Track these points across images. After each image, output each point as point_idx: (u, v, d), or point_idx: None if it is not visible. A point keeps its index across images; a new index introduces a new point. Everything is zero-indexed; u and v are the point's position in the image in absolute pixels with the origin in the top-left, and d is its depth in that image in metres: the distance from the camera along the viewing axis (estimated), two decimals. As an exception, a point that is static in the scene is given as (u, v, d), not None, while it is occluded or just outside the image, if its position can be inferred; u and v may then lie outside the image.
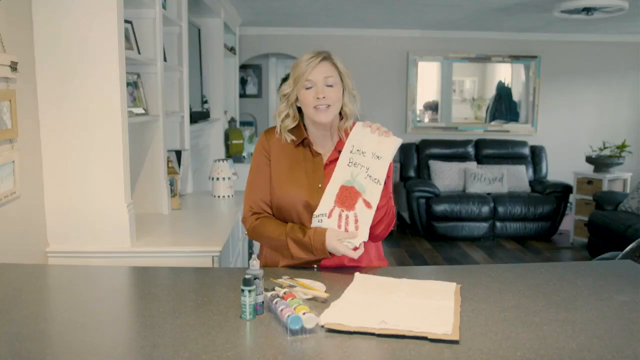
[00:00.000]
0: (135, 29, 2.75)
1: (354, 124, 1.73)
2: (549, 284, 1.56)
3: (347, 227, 1.63)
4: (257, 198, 1.77)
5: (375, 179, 1.63)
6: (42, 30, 2.08)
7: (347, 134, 1.73)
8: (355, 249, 1.62)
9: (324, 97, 1.66)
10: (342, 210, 1.64)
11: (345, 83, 1.73)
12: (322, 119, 1.69)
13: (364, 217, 1.63)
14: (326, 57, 1.70)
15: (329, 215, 1.65)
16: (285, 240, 1.67)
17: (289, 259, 1.71)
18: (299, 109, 1.76)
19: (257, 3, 5.10)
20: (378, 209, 1.65)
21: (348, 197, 1.64)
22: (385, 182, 1.67)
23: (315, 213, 1.67)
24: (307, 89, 1.68)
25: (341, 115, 1.77)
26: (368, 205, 1.63)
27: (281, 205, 1.73)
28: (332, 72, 1.69)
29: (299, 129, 1.76)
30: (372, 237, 1.73)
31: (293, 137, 1.75)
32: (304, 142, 1.75)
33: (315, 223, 1.66)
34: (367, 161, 1.64)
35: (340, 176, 1.66)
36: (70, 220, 2.18)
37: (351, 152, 1.67)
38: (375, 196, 1.63)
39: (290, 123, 1.75)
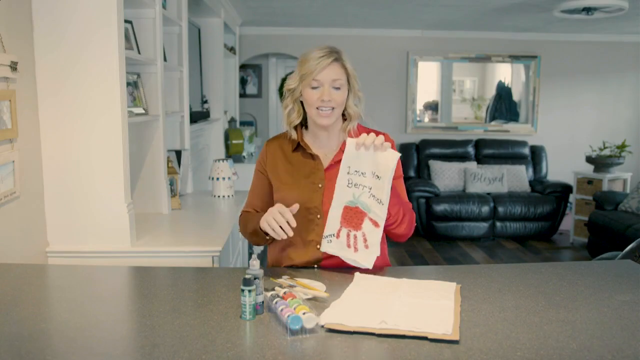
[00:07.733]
0: (135, 29, 2.75)
1: (343, 143, 1.66)
2: (549, 284, 1.56)
3: (356, 246, 1.62)
4: (251, 202, 1.85)
5: (378, 199, 1.60)
6: (42, 30, 2.08)
7: (349, 136, 1.69)
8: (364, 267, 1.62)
9: (329, 100, 1.64)
10: (350, 230, 1.62)
11: (351, 85, 1.69)
12: (324, 122, 1.67)
13: (372, 236, 1.61)
14: (337, 58, 1.65)
15: (337, 236, 1.64)
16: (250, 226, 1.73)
17: (288, 261, 1.73)
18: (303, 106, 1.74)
19: (257, 3, 5.10)
20: (390, 215, 1.64)
21: (353, 217, 1.62)
22: (392, 184, 1.66)
23: (324, 234, 1.66)
24: (313, 88, 1.65)
25: (344, 116, 1.75)
26: (375, 224, 1.61)
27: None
28: (340, 74, 1.65)
29: (295, 132, 1.75)
30: (396, 237, 1.74)
31: (294, 137, 1.75)
32: (299, 145, 1.75)
33: (324, 244, 1.66)
34: (368, 181, 1.61)
35: (341, 197, 1.63)
36: (70, 220, 2.18)
37: (348, 173, 1.62)
38: (381, 215, 1.60)
39: (296, 118, 1.74)
